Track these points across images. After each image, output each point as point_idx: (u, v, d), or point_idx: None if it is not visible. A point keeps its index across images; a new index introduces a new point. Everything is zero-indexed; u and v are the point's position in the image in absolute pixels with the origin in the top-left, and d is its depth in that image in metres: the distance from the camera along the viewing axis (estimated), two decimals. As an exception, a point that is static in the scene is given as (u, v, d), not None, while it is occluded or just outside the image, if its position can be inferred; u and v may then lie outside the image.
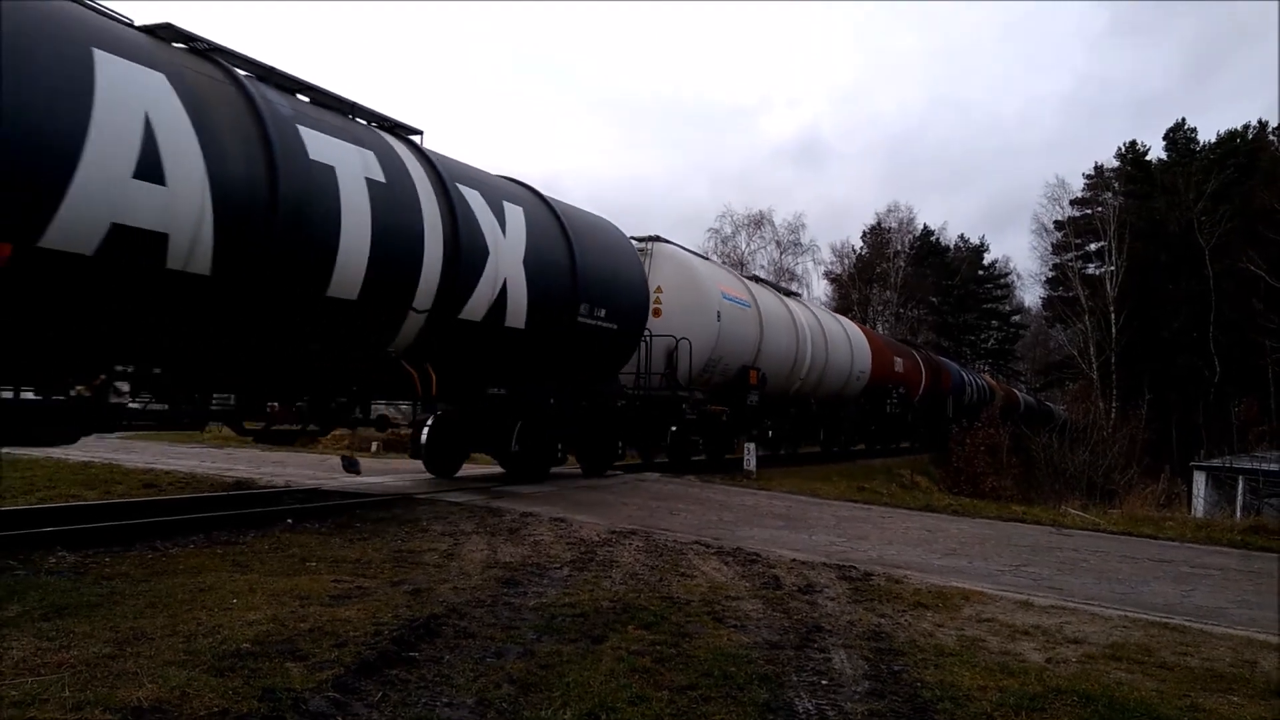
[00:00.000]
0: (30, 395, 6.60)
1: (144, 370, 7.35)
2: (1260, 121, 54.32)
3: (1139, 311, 47.99)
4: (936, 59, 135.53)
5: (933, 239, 69.19)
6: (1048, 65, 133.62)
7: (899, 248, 63.15)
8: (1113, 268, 49.26)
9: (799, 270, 54.20)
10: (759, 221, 52.96)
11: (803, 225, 54.88)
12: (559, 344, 11.55)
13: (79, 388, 6.80)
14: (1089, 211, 55.00)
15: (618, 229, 13.82)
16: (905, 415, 28.63)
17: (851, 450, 26.48)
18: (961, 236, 74.65)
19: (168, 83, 6.84)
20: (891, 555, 8.06)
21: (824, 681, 4.12)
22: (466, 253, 9.67)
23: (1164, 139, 58.20)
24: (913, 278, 61.61)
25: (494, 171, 11.41)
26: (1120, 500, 22.40)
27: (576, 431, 12.86)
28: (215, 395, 8.42)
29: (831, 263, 62.97)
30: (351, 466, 11.55)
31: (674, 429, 15.37)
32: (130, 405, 7.33)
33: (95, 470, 11.94)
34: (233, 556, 6.36)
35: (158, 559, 6.20)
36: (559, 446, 12.54)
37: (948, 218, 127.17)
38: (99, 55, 6.37)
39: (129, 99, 6.47)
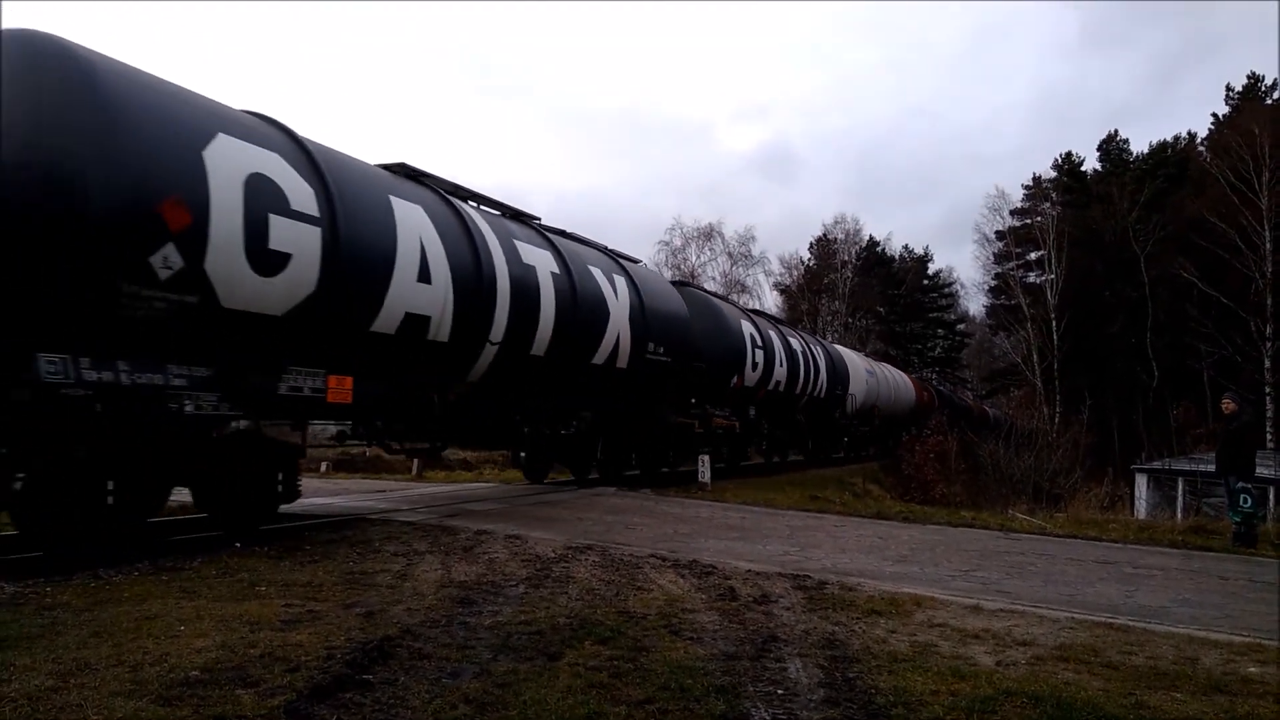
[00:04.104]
0: None
1: None
2: (1189, 133, 56.20)
3: (1079, 318, 49.16)
4: (907, 69, 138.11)
5: (878, 249, 70.27)
6: (1015, 75, 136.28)
7: (846, 258, 63.95)
8: (1052, 276, 50.46)
9: (749, 282, 54.47)
10: (709, 234, 53.14)
11: (753, 238, 55.06)
12: (834, 402, 26.18)
13: None
14: (1028, 221, 56.33)
15: (836, 347, 29.51)
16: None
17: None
18: (906, 247, 76.00)
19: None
20: (845, 563, 8.14)
21: (780, 691, 4.15)
22: (836, 375, 26.12)
23: (1097, 150, 59.97)
24: (860, 288, 62.36)
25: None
26: (1065, 503, 22.89)
27: (825, 438, 28.49)
28: None
29: (781, 274, 63.61)
30: None
31: (845, 439, 30.65)
32: None
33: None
34: (179, 583, 6.22)
35: (101, 587, 6.04)
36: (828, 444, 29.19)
37: (912, 228, 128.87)
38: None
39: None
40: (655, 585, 6.63)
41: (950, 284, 74.48)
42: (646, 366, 14.19)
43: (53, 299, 6.31)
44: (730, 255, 53.60)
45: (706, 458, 16.72)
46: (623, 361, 13.49)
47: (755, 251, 55.03)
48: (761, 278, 57.82)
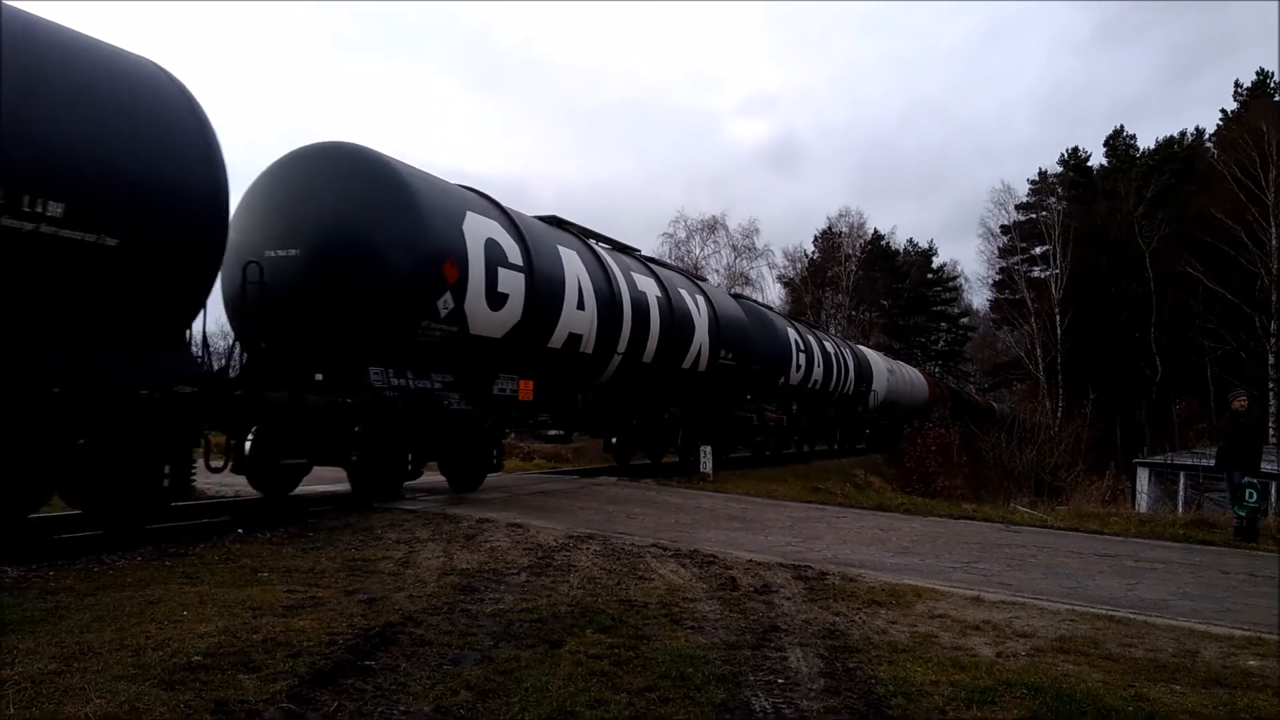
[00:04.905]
0: None
1: None
2: (1197, 129, 55.93)
3: (1083, 313, 49.02)
4: (914, 63, 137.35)
5: (882, 243, 70.08)
6: (1023, 70, 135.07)
7: (850, 252, 63.75)
8: (1057, 271, 50.33)
9: (753, 275, 54.28)
10: (713, 226, 52.92)
11: (757, 230, 54.92)
12: (859, 398, 29.04)
13: None
14: (1034, 216, 56.17)
15: (861, 348, 32.26)
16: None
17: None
18: (910, 240, 75.76)
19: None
20: (846, 554, 8.15)
21: (780, 680, 4.16)
22: (861, 374, 29.32)
23: (1104, 145, 59.69)
24: (863, 281, 62.18)
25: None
26: (1067, 497, 22.87)
27: (849, 430, 31.09)
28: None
29: (785, 267, 63.49)
30: None
31: (868, 431, 33.45)
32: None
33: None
34: (182, 568, 6.24)
35: (104, 572, 6.06)
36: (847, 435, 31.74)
37: (917, 221, 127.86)
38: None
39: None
40: (656, 574, 6.64)
41: (954, 278, 74.35)
42: (719, 370, 17.20)
43: (380, 331, 9.26)
44: (734, 248, 53.47)
45: (709, 448, 16.75)
46: (702, 365, 16.51)
47: (759, 244, 55.03)
48: (765, 270, 57.74)
